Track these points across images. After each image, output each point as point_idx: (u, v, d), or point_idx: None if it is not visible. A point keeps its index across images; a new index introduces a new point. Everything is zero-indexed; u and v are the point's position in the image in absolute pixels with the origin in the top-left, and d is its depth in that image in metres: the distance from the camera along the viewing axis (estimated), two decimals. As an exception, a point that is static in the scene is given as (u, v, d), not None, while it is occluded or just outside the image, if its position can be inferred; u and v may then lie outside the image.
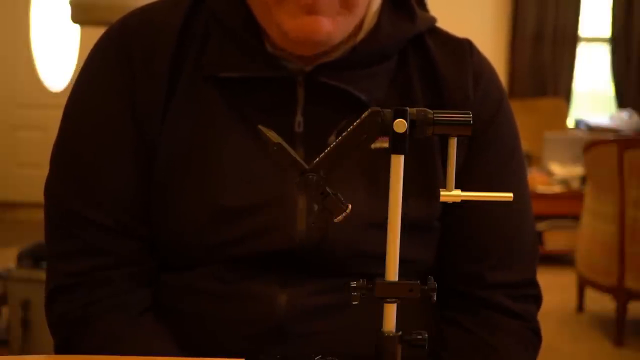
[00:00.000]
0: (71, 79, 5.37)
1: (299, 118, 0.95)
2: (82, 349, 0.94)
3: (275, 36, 0.93)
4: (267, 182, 0.93)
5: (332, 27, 0.90)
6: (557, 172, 5.25)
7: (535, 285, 1.03)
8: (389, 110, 0.66)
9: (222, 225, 0.92)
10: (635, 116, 6.29)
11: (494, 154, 1.00)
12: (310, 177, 0.66)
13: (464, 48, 1.02)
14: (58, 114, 0.99)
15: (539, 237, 5.03)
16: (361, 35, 0.97)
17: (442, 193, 0.67)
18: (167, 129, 0.94)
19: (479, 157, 0.99)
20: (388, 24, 0.98)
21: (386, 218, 0.66)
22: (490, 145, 1.00)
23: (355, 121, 0.66)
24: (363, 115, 0.66)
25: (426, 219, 0.97)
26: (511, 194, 0.69)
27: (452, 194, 0.67)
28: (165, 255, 0.96)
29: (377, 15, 0.98)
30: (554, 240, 5.16)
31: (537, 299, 1.03)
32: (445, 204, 0.96)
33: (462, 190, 0.68)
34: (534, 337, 1.02)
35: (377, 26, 0.97)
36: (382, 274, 0.67)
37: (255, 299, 0.92)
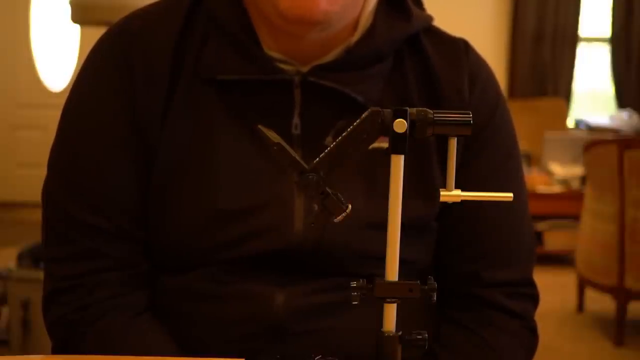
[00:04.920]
0: (71, 79, 5.37)
1: (296, 120, 0.95)
2: (79, 351, 0.94)
3: (272, 19, 0.92)
4: (264, 184, 0.93)
5: (330, 6, 0.89)
6: (557, 172, 5.25)
7: (532, 284, 1.03)
8: (389, 110, 0.65)
9: (219, 228, 0.92)
10: (635, 116, 6.29)
11: (491, 156, 1.00)
12: (310, 177, 0.66)
13: (460, 48, 1.01)
14: (58, 114, 0.98)
15: (539, 237, 5.03)
16: (356, 36, 0.97)
17: (442, 193, 0.67)
18: (166, 132, 0.94)
19: (475, 159, 0.98)
20: (383, 24, 0.97)
21: (384, 218, 0.66)
22: (487, 147, 0.99)
23: (353, 122, 0.66)
24: (363, 115, 0.65)
25: (424, 219, 0.97)
26: (511, 194, 0.69)
27: (452, 194, 0.67)
28: (163, 257, 0.96)
29: (373, 16, 0.98)
30: (554, 240, 5.16)
31: (534, 298, 1.03)
32: (442, 203, 0.96)
33: (458, 191, 0.68)
34: (531, 335, 1.02)
35: (372, 27, 0.97)
36: (380, 274, 0.67)
37: (253, 299, 0.92)
